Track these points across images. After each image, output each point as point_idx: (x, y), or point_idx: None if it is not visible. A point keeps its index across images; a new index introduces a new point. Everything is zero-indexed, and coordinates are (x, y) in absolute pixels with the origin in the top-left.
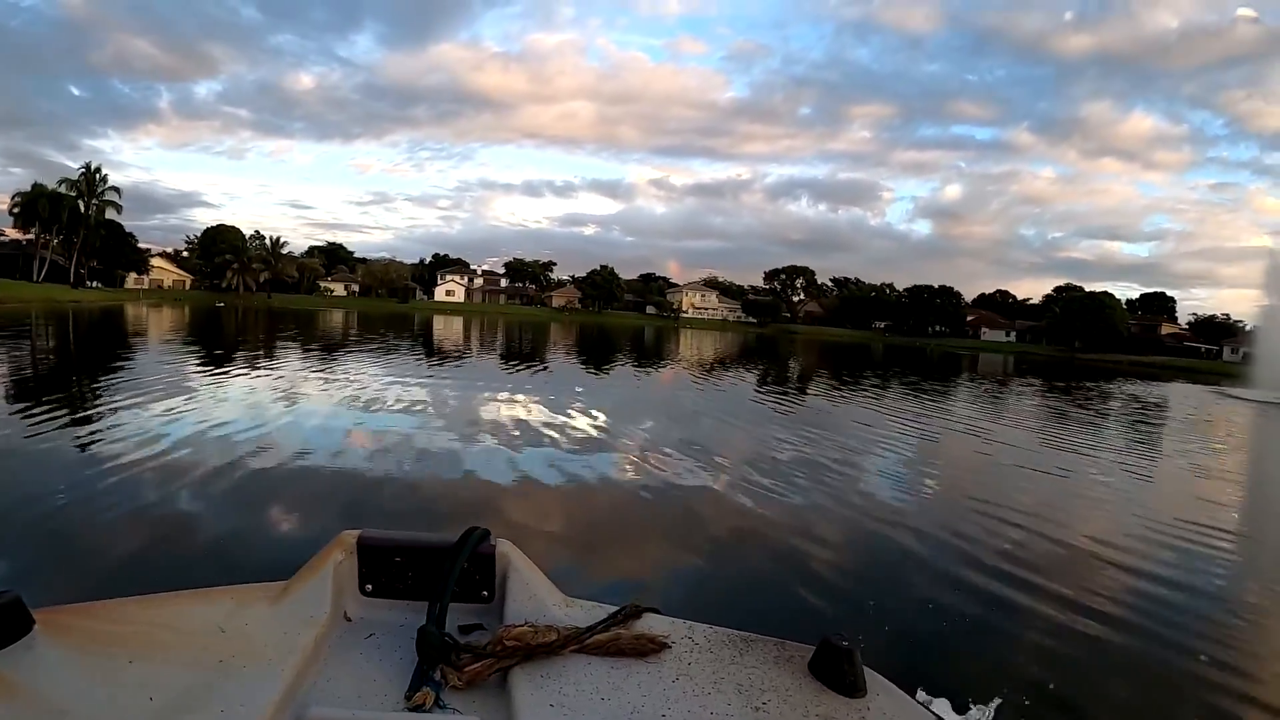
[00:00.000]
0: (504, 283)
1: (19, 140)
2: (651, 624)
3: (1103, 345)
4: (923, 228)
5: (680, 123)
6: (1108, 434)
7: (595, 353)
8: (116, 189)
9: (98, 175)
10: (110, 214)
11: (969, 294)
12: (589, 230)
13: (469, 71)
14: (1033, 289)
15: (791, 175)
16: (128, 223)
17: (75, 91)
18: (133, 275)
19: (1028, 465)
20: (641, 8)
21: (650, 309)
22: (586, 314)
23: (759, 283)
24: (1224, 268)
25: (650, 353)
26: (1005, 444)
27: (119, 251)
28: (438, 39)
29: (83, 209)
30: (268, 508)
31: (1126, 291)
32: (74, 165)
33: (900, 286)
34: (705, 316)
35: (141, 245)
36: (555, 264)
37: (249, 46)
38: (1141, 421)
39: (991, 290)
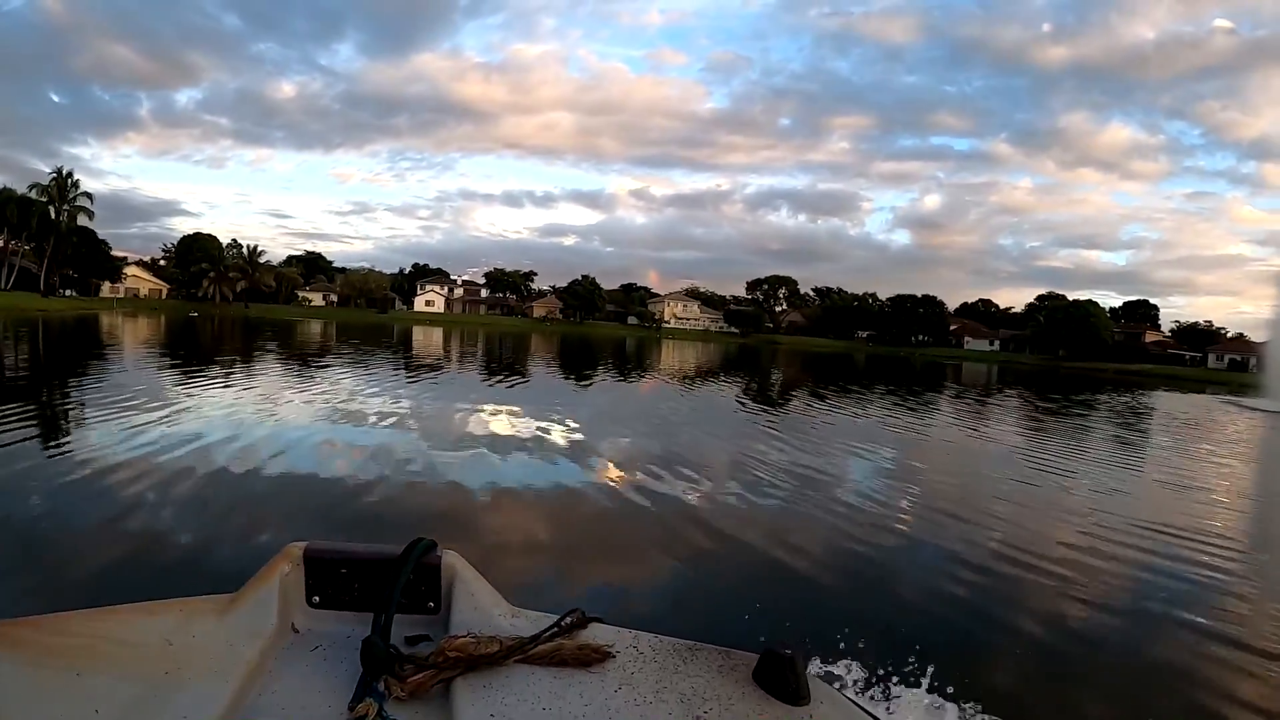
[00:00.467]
0: (484, 293)
1: None
2: (596, 633)
3: (1087, 353)
4: (902, 238)
5: (660, 133)
6: (1164, 457)
7: (576, 364)
8: (89, 195)
9: (69, 180)
10: (83, 221)
11: (949, 303)
12: (569, 241)
13: (450, 81)
14: (1011, 298)
15: (771, 186)
16: (107, 231)
17: (55, 98)
18: (108, 284)
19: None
20: (623, 19)
21: (632, 319)
22: (568, 325)
23: (741, 292)
24: (1202, 275)
25: (632, 364)
26: (1059, 472)
27: (93, 259)
28: (419, 49)
29: (53, 215)
30: (224, 523)
31: (1105, 300)
32: (48, 172)
33: (880, 296)
34: (687, 327)
35: (119, 254)
36: (536, 274)
37: (230, 55)
38: (1190, 440)
39: (972, 299)
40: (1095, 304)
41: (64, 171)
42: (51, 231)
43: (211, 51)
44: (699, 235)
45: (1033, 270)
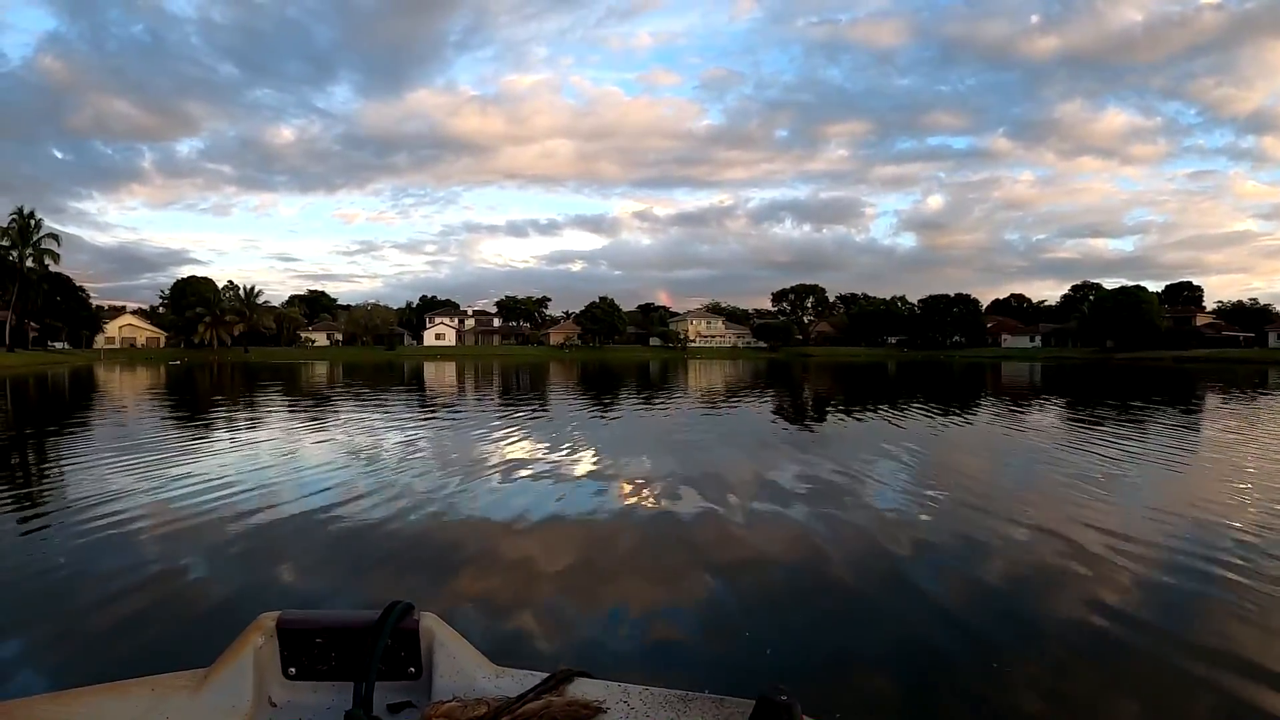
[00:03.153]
0: (497, 323)
1: (2, 205)
2: (585, 689)
3: (1137, 343)
4: (907, 240)
5: (659, 154)
6: None
7: (604, 396)
8: (55, 236)
9: (31, 221)
10: (51, 266)
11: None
12: (576, 266)
13: (446, 116)
14: (1024, 291)
15: (773, 198)
16: (116, 284)
17: (57, 155)
18: (103, 335)
19: None
20: (613, 44)
21: (654, 340)
22: (588, 350)
23: (760, 306)
24: (1210, 255)
25: (662, 388)
26: None
27: (70, 308)
28: (414, 86)
29: (15, 259)
30: None
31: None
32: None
33: (909, 299)
34: (714, 344)
35: (116, 303)
36: (550, 300)
37: (227, 103)
38: None
39: (1003, 295)
40: (1145, 290)
41: (25, 211)
42: (14, 278)
43: (209, 101)
44: (705, 253)
45: (1041, 263)
